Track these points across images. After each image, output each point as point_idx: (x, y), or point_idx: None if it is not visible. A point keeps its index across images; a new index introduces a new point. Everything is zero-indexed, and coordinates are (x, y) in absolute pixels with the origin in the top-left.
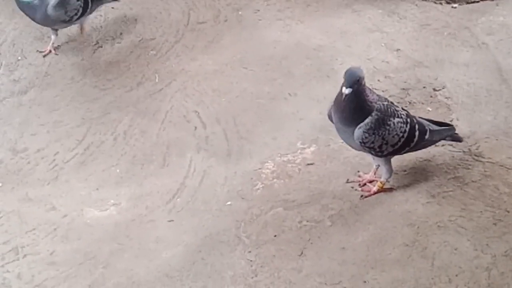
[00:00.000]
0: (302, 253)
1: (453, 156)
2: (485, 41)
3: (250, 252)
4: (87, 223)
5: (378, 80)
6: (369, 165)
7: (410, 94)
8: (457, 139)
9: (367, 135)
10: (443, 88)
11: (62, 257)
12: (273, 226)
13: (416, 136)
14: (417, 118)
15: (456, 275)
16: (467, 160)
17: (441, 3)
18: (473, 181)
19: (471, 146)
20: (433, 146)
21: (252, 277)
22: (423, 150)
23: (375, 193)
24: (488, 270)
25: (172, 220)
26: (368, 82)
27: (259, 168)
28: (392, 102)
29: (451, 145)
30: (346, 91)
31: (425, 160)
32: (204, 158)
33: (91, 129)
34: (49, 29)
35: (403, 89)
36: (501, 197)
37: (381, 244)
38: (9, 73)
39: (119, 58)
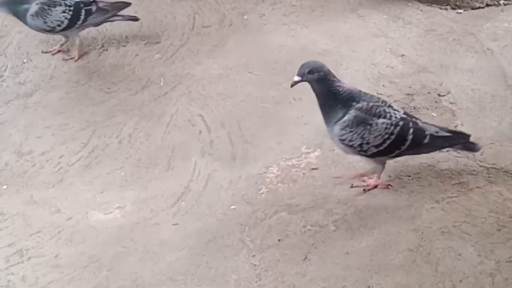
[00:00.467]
0: (306, 257)
1: (457, 162)
2: (490, 47)
3: (254, 256)
4: (92, 226)
5: (383, 85)
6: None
7: (414, 100)
8: (470, 148)
9: (343, 132)
10: (447, 94)
11: (67, 259)
12: (277, 231)
13: (409, 140)
14: (420, 122)
15: (460, 281)
16: (471, 166)
17: (446, 9)
18: (477, 187)
19: (475, 152)
20: (437, 152)
21: (256, 281)
22: (427, 155)
23: (375, 186)
24: (492, 276)
25: (177, 224)
26: (372, 87)
27: (264, 172)
28: (389, 105)
29: (456, 151)
30: (294, 78)
31: (429, 165)
32: (208, 162)
33: (96, 132)
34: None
35: (408, 94)
36: (505, 203)
37: (385, 249)
38: (14, 75)
39: (124, 62)
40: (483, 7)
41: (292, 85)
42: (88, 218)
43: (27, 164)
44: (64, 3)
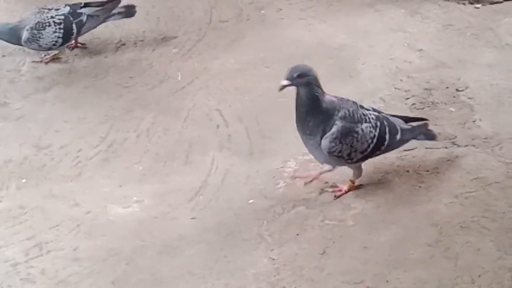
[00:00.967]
0: (324, 252)
1: (476, 157)
2: (508, 41)
3: (272, 250)
4: (110, 220)
5: (401, 80)
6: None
7: (433, 94)
8: (431, 137)
9: (333, 144)
10: (466, 89)
11: (86, 253)
12: (296, 225)
13: (387, 139)
14: (388, 117)
15: (479, 276)
16: (490, 161)
17: (464, 4)
18: (496, 182)
19: (494, 147)
20: (455, 146)
21: (275, 275)
22: (445, 150)
23: (346, 192)
24: (511, 271)
25: (195, 218)
26: (390, 82)
27: (282, 167)
28: (360, 106)
29: (474, 145)
30: (282, 82)
31: (448, 160)
32: (226, 157)
33: (114, 126)
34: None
35: (426, 89)
36: None
37: (403, 244)
38: (33, 70)
39: (142, 56)
40: (501, 2)
41: (280, 89)
42: (106, 212)
43: (46, 158)
44: (53, 21)
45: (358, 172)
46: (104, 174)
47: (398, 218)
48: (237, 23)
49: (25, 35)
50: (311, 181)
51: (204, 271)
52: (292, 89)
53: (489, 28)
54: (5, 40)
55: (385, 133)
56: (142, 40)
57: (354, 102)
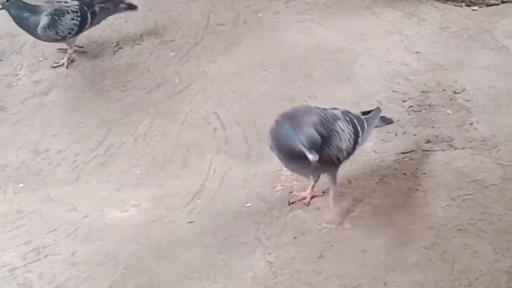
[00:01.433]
0: (321, 255)
1: (472, 159)
2: (505, 44)
3: (270, 253)
4: (108, 224)
5: (398, 83)
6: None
7: (430, 97)
8: (388, 121)
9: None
10: (463, 91)
11: (83, 257)
12: (293, 228)
13: (359, 130)
14: (349, 111)
15: (476, 279)
16: (487, 163)
17: (461, 6)
18: (493, 184)
19: (491, 149)
20: (452, 149)
21: (272, 279)
22: (442, 153)
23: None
24: (508, 274)
25: (192, 222)
26: (387, 85)
27: (279, 170)
28: (323, 108)
29: (471, 148)
30: (314, 158)
31: (444, 163)
32: (224, 160)
33: (111, 130)
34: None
35: (423, 91)
36: None
37: (401, 247)
38: (30, 74)
39: (139, 60)
40: (498, 4)
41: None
42: (104, 216)
43: (43, 162)
44: (71, 10)
45: (339, 177)
46: (102, 178)
47: (395, 221)
48: (234, 26)
49: (44, 20)
50: (310, 199)
51: (202, 275)
52: (292, 94)
53: (486, 30)
54: (9, 12)
55: (356, 125)
56: (139, 44)
57: (317, 107)
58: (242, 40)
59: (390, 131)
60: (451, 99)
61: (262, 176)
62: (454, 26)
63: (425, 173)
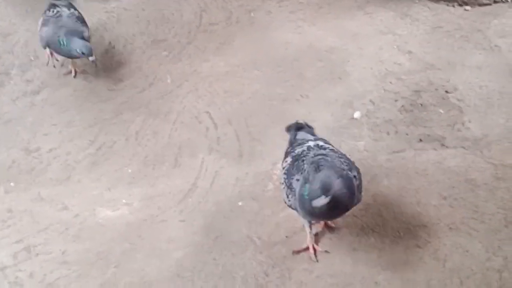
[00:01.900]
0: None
1: (464, 158)
2: (497, 43)
3: (261, 253)
4: (99, 223)
5: (390, 82)
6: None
7: (422, 96)
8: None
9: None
10: (455, 91)
11: (74, 256)
12: (285, 227)
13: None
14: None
15: (468, 277)
16: (478, 163)
17: (453, 6)
18: (484, 184)
19: (483, 148)
20: (444, 148)
21: (264, 278)
22: (434, 152)
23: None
24: (499, 272)
25: (184, 221)
26: (379, 84)
27: (271, 169)
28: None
29: (463, 147)
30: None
31: (436, 162)
32: (215, 159)
33: (103, 129)
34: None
35: (415, 91)
36: None
37: (392, 245)
38: (21, 73)
39: (131, 59)
40: (490, 4)
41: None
42: (95, 215)
43: (35, 161)
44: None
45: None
46: (93, 177)
47: (387, 220)
48: (226, 26)
49: (87, 31)
50: (315, 249)
51: (193, 273)
52: (284, 93)
53: (478, 30)
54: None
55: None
56: (131, 43)
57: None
58: (234, 40)
59: (381, 130)
60: (443, 99)
61: (254, 175)
62: (447, 26)
63: (417, 172)
